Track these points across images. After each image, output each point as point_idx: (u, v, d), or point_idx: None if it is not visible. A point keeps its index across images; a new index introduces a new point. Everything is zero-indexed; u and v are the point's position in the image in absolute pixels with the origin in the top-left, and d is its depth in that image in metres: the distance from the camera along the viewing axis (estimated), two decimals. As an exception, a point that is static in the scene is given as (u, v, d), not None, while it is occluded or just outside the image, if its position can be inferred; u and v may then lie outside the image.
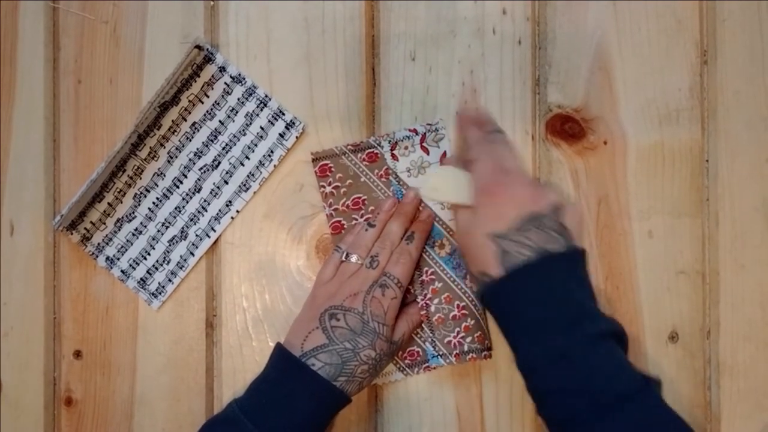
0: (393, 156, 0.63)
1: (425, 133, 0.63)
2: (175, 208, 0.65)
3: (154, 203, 0.65)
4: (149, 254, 0.65)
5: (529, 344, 0.51)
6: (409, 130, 0.63)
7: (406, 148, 0.63)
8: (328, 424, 0.57)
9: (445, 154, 0.63)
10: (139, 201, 0.65)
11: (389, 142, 0.63)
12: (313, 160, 0.64)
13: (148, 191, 0.65)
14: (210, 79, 0.64)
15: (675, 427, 0.48)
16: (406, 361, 0.63)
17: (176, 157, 0.64)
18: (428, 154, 0.63)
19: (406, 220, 0.61)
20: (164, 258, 0.65)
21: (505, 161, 0.54)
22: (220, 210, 0.64)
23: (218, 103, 0.64)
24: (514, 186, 0.52)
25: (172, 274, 0.64)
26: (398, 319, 0.60)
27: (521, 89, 0.64)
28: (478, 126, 0.58)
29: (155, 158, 0.64)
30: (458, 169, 0.57)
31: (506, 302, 0.52)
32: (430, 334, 0.60)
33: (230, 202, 0.64)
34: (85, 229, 0.65)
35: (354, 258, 0.59)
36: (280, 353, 0.56)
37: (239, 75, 0.64)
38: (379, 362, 0.56)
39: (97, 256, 0.65)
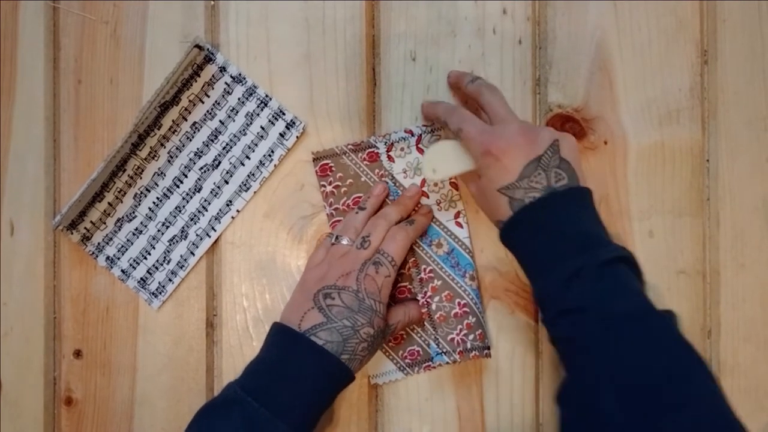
0: (389, 157, 0.63)
1: (421, 135, 0.63)
2: (176, 208, 0.65)
3: (154, 203, 0.65)
4: (149, 254, 0.65)
5: (542, 273, 0.52)
6: (405, 132, 0.63)
7: (402, 149, 0.63)
8: (332, 403, 0.56)
9: None
10: (140, 201, 0.65)
11: (385, 143, 0.63)
12: (314, 160, 0.64)
13: (149, 191, 0.65)
14: (210, 79, 0.64)
15: (678, 349, 0.48)
16: (407, 361, 0.63)
17: (177, 156, 0.64)
18: (424, 155, 0.63)
19: (405, 210, 0.61)
20: (164, 257, 0.64)
21: (493, 109, 0.56)
22: (220, 210, 0.64)
23: (219, 103, 0.64)
24: (508, 137, 0.54)
25: (172, 273, 0.64)
26: (396, 306, 0.60)
27: (521, 89, 0.64)
28: (460, 82, 0.60)
29: (156, 158, 0.64)
30: (446, 142, 0.58)
31: (517, 238, 0.54)
32: (433, 332, 0.60)
33: (230, 201, 0.64)
34: (86, 228, 0.65)
35: (344, 240, 0.59)
36: (282, 332, 0.55)
37: (239, 75, 0.64)
38: (376, 339, 0.56)
39: (97, 256, 0.65)
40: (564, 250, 0.51)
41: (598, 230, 0.53)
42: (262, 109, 0.64)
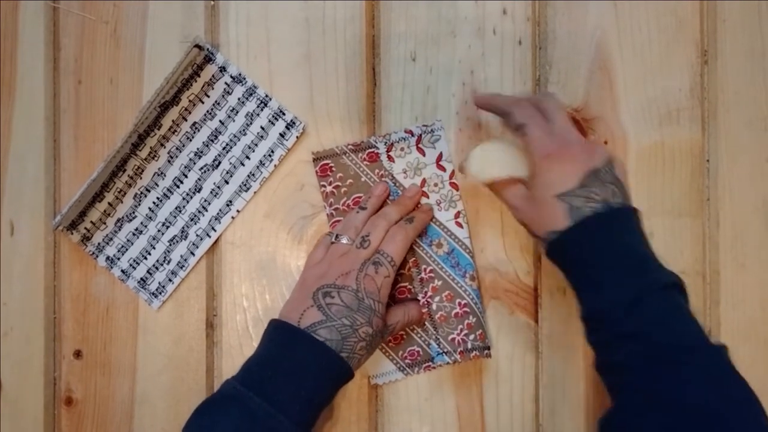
0: (389, 157, 0.63)
1: (421, 135, 0.63)
2: (176, 208, 0.65)
3: (154, 203, 0.65)
4: (149, 254, 0.65)
5: (599, 292, 0.51)
6: (405, 132, 0.63)
7: (402, 149, 0.63)
8: (331, 401, 0.56)
9: (441, 155, 0.63)
10: (140, 201, 0.65)
11: (385, 143, 0.63)
12: (314, 160, 0.64)
13: (149, 191, 0.65)
14: (210, 79, 0.64)
15: (733, 388, 0.48)
16: (407, 361, 0.63)
17: (177, 156, 0.64)
18: (424, 155, 0.63)
19: (405, 210, 0.61)
20: (164, 258, 0.64)
21: (555, 117, 0.55)
22: (220, 210, 0.64)
23: (219, 103, 0.64)
24: (570, 145, 0.53)
25: (172, 273, 0.64)
26: (395, 306, 0.60)
27: (521, 89, 0.64)
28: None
29: (156, 158, 0.64)
30: (495, 143, 0.57)
31: (575, 251, 0.52)
32: (434, 332, 0.60)
33: (231, 201, 0.64)
34: (86, 228, 0.65)
35: (344, 239, 0.58)
36: (281, 328, 0.55)
37: (239, 75, 0.64)
38: (374, 339, 0.56)
39: (97, 256, 0.65)
40: (626, 269, 0.50)
41: (651, 252, 0.52)
42: (262, 109, 0.64)
